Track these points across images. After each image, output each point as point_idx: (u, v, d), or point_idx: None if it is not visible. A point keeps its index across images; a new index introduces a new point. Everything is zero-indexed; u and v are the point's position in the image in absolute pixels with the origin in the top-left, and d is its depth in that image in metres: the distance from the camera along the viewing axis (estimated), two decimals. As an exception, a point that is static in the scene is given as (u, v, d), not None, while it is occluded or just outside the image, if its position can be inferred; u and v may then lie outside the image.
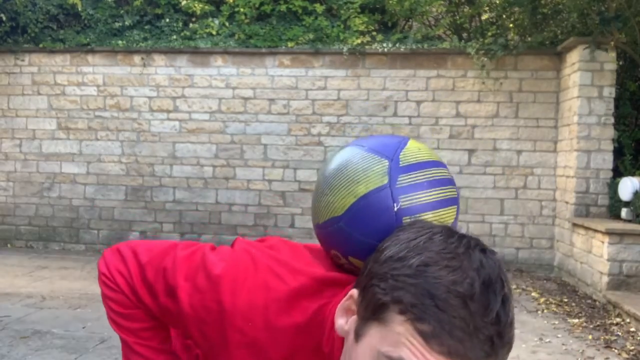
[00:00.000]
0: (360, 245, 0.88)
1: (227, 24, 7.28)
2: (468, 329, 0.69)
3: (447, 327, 0.69)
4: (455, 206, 0.93)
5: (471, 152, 6.68)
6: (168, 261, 0.99)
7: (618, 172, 5.99)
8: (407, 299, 0.71)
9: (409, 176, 0.89)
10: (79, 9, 7.28)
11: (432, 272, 0.72)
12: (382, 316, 0.74)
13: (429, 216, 0.88)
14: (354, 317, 0.81)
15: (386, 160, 0.90)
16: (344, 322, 0.83)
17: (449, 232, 0.78)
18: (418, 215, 0.87)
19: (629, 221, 5.39)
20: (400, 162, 0.90)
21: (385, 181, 0.88)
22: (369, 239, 0.87)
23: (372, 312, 0.76)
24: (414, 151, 0.93)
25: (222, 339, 0.91)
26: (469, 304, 0.69)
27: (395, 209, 0.87)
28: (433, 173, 0.91)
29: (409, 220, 0.87)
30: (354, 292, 0.82)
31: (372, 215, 0.88)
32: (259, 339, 0.89)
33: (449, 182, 0.93)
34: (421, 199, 0.89)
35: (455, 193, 0.93)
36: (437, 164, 0.93)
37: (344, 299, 0.85)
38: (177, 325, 1.02)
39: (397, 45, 6.82)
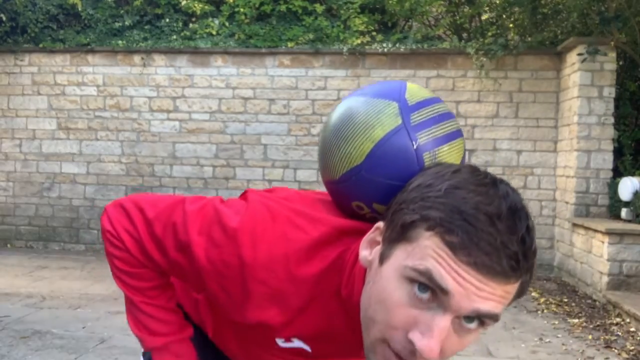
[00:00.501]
0: (384, 188, 0.89)
1: (227, 24, 7.28)
2: (495, 242, 0.70)
3: (475, 239, 0.70)
4: (462, 138, 0.95)
5: (471, 152, 6.68)
6: (177, 215, 0.97)
7: (618, 172, 5.99)
8: (435, 214, 0.73)
9: (419, 113, 0.91)
10: (79, 9, 7.28)
11: (460, 194, 0.73)
12: (409, 234, 0.75)
13: (445, 149, 0.91)
14: (379, 247, 0.82)
15: (394, 102, 0.92)
16: (368, 253, 0.84)
17: (475, 168, 0.80)
18: (436, 149, 0.90)
19: (629, 221, 5.39)
20: (408, 102, 0.92)
21: (400, 121, 0.90)
22: (393, 180, 0.88)
23: (399, 233, 0.77)
24: (415, 90, 0.95)
25: (243, 291, 0.90)
26: (496, 222, 0.71)
27: (415, 146, 0.89)
28: (438, 108, 0.93)
29: (429, 155, 0.89)
30: (380, 224, 0.83)
31: (393, 157, 0.89)
32: (282, 289, 0.89)
33: (452, 115, 0.95)
34: (436, 133, 0.90)
35: (459, 126, 0.96)
36: (438, 99, 0.96)
37: (370, 232, 0.85)
38: (188, 279, 1.00)
39: (397, 45, 6.82)
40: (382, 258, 0.79)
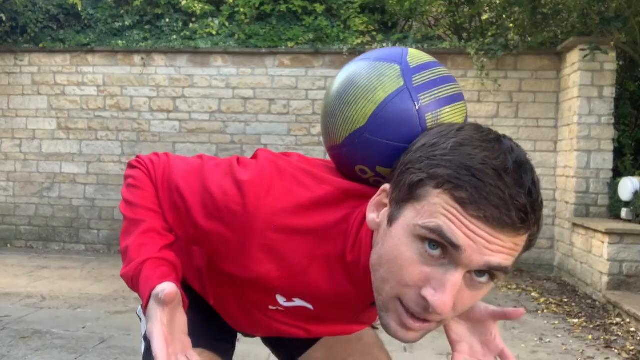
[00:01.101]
0: (387, 150, 0.90)
1: (227, 24, 7.28)
2: (504, 195, 0.71)
3: (484, 194, 0.71)
4: (464, 102, 0.95)
5: (471, 152, 6.68)
6: (195, 166, 1.01)
7: (618, 172, 5.99)
8: (442, 172, 0.73)
9: (421, 75, 0.91)
10: (79, 9, 7.28)
11: (466, 150, 0.74)
12: (417, 193, 0.76)
13: (446, 111, 0.91)
14: (386, 208, 0.83)
15: (396, 65, 0.92)
16: (375, 216, 0.85)
17: (478, 125, 0.81)
18: (439, 110, 0.90)
19: (629, 221, 5.39)
20: (410, 64, 0.92)
21: (402, 83, 0.90)
22: (396, 142, 0.89)
23: (406, 193, 0.77)
24: (417, 54, 0.96)
25: (242, 242, 0.91)
26: (504, 176, 0.72)
27: (417, 107, 0.89)
28: (440, 71, 0.94)
29: (431, 116, 0.89)
30: (386, 186, 0.84)
31: (396, 118, 0.89)
32: (278, 240, 0.90)
33: (454, 79, 0.96)
34: (438, 95, 0.91)
35: (461, 90, 0.96)
36: (439, 64, 0.96)
37: (376, 194, 0.86)
38: (188, 228, 1.01)
39: (397, 45, 6.82)
40: (391, 219, 0.80)
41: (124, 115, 7.18)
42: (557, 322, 4.48)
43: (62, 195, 7.30)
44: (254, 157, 1.01)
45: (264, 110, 6.99)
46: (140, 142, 7.16)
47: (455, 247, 0.72)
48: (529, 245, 0.77)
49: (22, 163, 7.37)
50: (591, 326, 4.38)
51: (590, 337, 4.10)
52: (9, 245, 7.34)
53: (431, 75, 0.92)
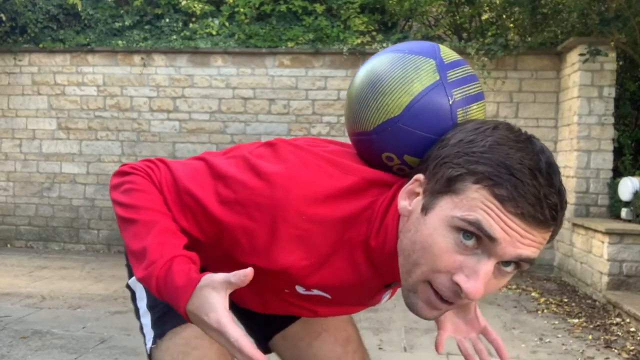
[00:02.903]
0: (418, 140, 0.93)
1: (227, 24, 7.29)
2: (539, 194, 0.77)
3: (522, 192, 0.77)
4: (484, 100, 1.00)
5: (471, 152, 6.67)
6: (202, 165, 0.99)
7: (618, 172, 5.99)
8: (482, 169, 0.79)
9: (455, 72, 0.96)
10: (79, 9, 7.28)
11: (503, 149, 0.79)
12: (456, 187, 0.81)
13: (474, 107, 0.96)
14: (419, 197, 0.87)
15: (432, 60, 0.96)
16: (407, 204, 0.89)
17: (510, 124, 0.86)
18: (468, 106, 0.94)
19: (629, 221, 5.39)
20: (444, 60, 0.96)
21: (437, 77, 0.94)
22: (427, 133, 0.92)
23: (444, 185, 0.82)
24: (448, 51, 1.00)
25: (270, 234, 0.91)
26: (538, 176, 0.78)
27: (450, 102, 0.93)
28: (469, 69, 0.99)
29: (462, 112, 0.94)
30: (419, 176, 0.88)
31: (430, 110, 0.93)
32: (310, 230, 0.91)
33: (477, 78, 1.00)
34: (468, 92, 0.95)
35: (482, 89, 1.00)
36: (466, 62, 1.00)
37: (408, 183, 0.90)
38: (203, 226, 0.97)
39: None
40: (426, 208, 0.84)
41: (124, 115, 7.18)
42: (557, 322, 4.48)
43: (62, 195, 7.30)
44: (270, 146, 0.99)
45: (264, 110, 6.99)
46: (140, 142, 7.16)
47: (492, 239, 0.78)
48: (552, 238, 0.83)
49: (22, 163, 7.37)
50: (591, 326, 4.38)
51: (590, 337, 4.10)
52: (9, 245, 7.34)
53: (462, 73, 0.96)
